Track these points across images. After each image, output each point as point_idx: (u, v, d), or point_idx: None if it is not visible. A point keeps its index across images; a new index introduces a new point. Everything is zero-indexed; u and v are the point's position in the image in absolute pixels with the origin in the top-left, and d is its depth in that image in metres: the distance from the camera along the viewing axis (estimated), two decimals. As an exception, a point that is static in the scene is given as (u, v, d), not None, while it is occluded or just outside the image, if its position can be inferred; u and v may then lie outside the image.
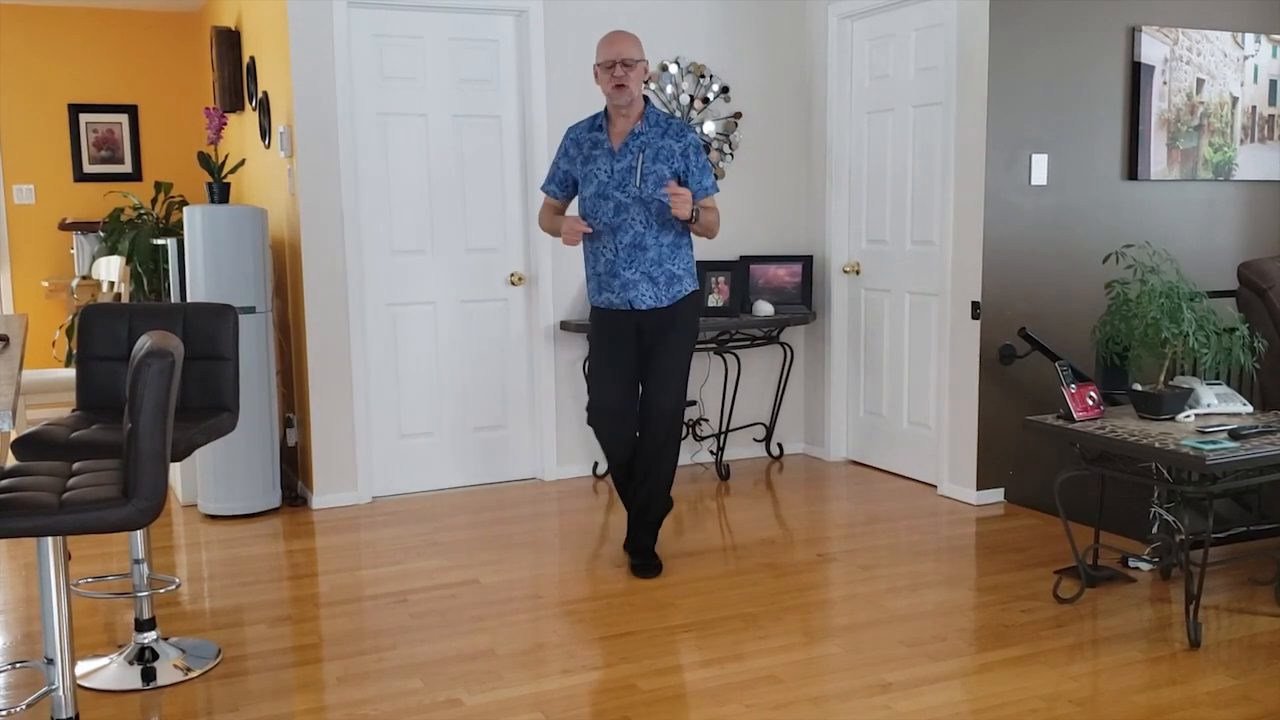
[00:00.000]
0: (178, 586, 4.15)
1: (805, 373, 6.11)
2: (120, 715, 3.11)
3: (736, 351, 5.76)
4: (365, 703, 3.15)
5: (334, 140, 5.07)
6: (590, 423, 4.28)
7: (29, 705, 3.00)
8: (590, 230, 4.08)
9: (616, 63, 4.04)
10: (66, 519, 2.52)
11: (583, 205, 4.18)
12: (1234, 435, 3.51)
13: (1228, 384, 4.27)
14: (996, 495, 5.11)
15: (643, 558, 4.25)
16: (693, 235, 4.20)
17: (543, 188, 4.33)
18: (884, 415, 5.69)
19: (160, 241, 5.69)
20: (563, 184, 4.26)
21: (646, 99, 4.18)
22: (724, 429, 5.77)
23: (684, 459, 5.74)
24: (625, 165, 4.06)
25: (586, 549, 4.56)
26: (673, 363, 4.15)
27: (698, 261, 4.53)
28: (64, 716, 2.73)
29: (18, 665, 3.40)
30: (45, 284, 7.52)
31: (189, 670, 3.37)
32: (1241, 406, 3.85)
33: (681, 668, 3.34)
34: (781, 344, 5.94)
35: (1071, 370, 3.99)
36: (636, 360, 4.18)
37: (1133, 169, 5.17)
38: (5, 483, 2.66)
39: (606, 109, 4.15)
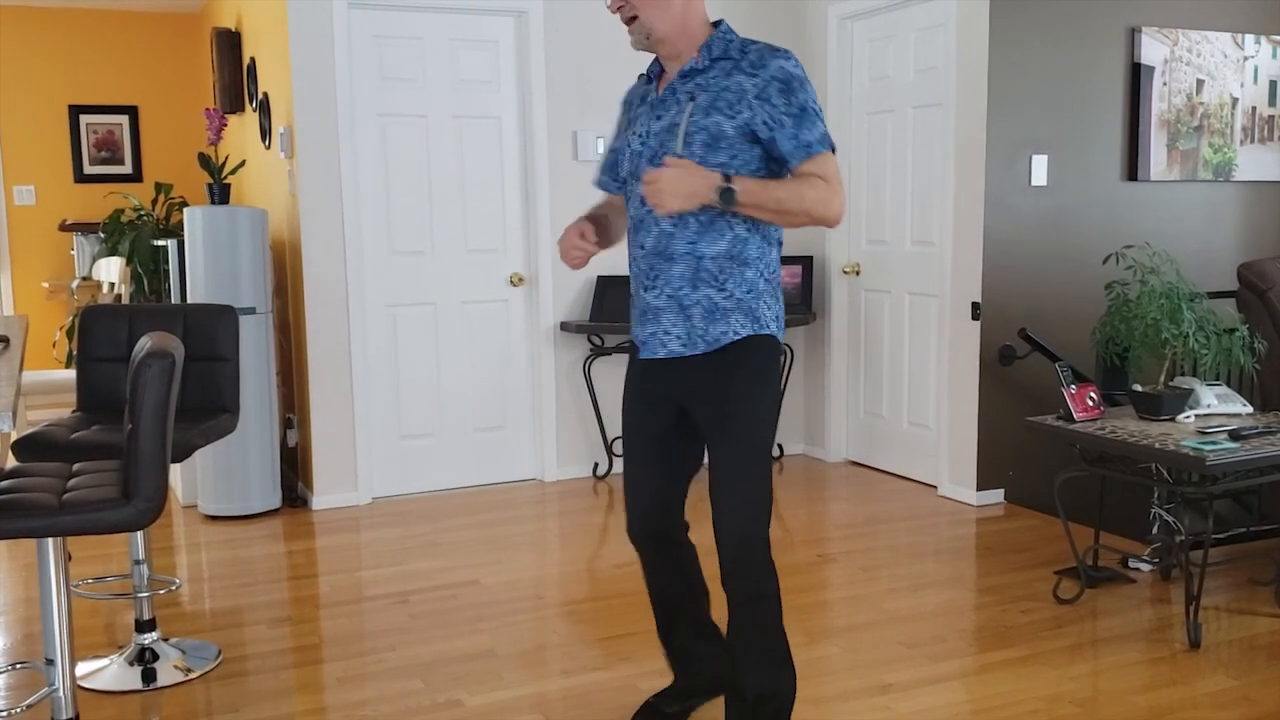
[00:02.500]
0: (178, 587, 4.15)
1: (805, 373, 6.11)
2: (120, 716, 3.11)
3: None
4: (365, 703, 3.15)
5: (334, 141, 5.07)
6: (629, 537, 2.83)
7: (29, 706, 3.00)
8: (593, 243, 2.68)
9: None
10: (67, 520, 2.52)
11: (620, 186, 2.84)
12: (1234, 436, 3.51)
13: (1228, 385, 4.27)
14: (996, 496, 5.11)
15: None
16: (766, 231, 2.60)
17: (594, 181, 2.93)
18: (884, 416, 5.69)
19: (160, 242, 5.69)
20: (614, 170, 2.83)
21: (719, 24, 2.63)
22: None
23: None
24: (666, 123, 2.56)
25: (587, 549, 4.57)
26: (739, 458, 2.56)
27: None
28: (64, 717, 2.73)
29: (18, 666, 3.40)
30: (45, 285, 7.52)
31: (189, 671, 3.37)
32: (1241, 407, 3.85)
33: (682, 668, 3.34)
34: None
35: (1071, 371, 4.00)
36: (678, 436, 2.70)
37: (1133, 170, 5.17)
38: (5, 484, 2.66)
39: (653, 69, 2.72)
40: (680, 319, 2.59)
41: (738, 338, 2.56)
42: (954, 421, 5.16)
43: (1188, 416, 3.78)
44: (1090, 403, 3.83)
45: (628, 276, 2.70)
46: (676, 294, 2.58)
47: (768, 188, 2.44)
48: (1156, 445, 3.48)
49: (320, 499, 5.20)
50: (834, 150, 2.50)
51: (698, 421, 2.63)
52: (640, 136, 2.63)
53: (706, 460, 2.68)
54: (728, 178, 2.42)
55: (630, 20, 2.57)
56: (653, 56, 2.69)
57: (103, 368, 3.57)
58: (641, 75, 2.75)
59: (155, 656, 3.41)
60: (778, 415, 2.75)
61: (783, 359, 2.61)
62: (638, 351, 2.70)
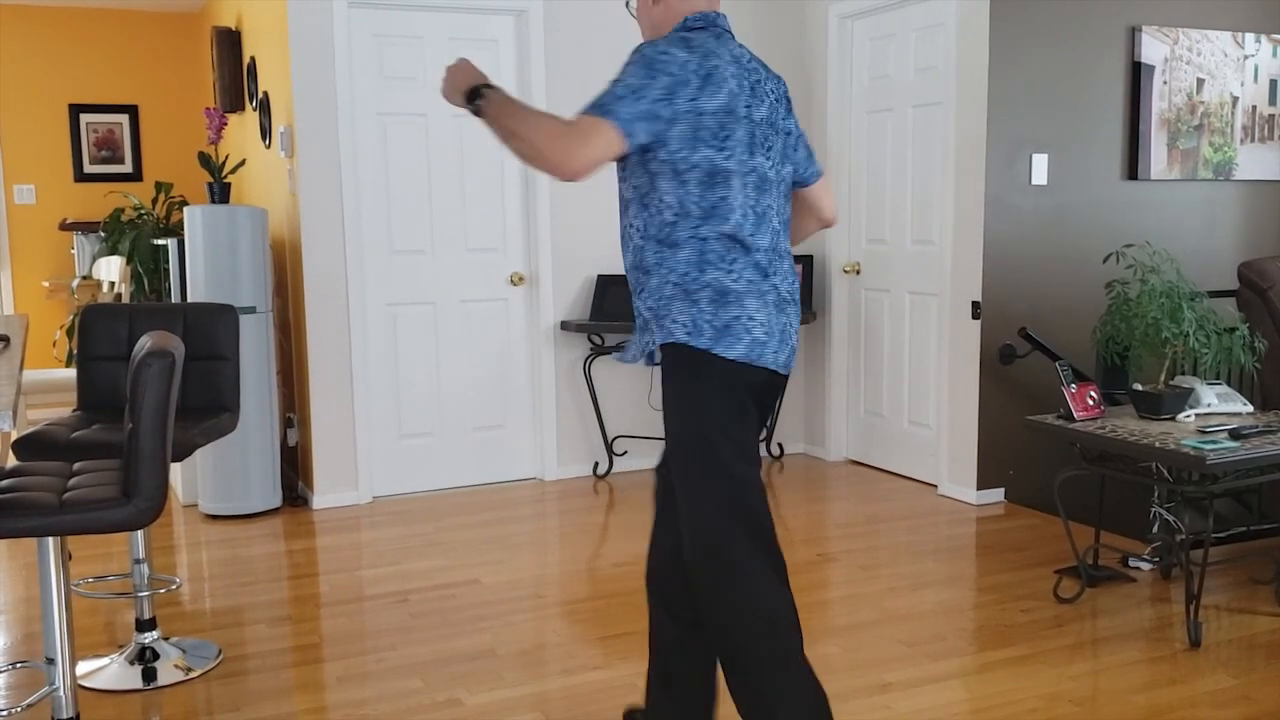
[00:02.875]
0: (178, 586, 4.15)
1: (805, 372, 6.11)
2: (121, 715, 3.11)
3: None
4: (365, 703, 3.15)
5: (334, 140, 5.07)
6: None
7: (30, 705, 3.00)
8: None
9: None
10: (67, 519, 2.52)
11: None
12: (1234, 435, 3.51)
13: (1228, 384, 4.27)
14: (997, 495, 5.11)
15: None
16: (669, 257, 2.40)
17: None
18: (884, 415, 5.69)
19: (161, 241, 5.69)
20: None
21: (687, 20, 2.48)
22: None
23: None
24: None
25: (587, 549, 4.57)
26: (676, 476, 2.45)
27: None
28: (65, 717, 2.73)
29: (18, 665, 3.40)
30: (46, 284, 7.52)
31: (189, 670, 3.37)
32: (1242, 406, 3.85)
33: (682, 667, 3.33)
34: (782, 344, 5.93)
35: (1071, 370, 4.00)
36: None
37: (1133, 169, 5.17)
38: (6, 483, 2.66)
39: None
40: (638, 329, 2.55)
41: (654, 347, 2.47)
42: (954, 420, 5.16)
43: (1188, 415, 3.78)
44: (1090, 402, 3.83)
45: (627, 275, 2.59)
46: (636, 304, 2.54)
47: (516, 106, 2.30)
48: (1157, 444, 3.48)
49: (320, 498, 5.20)
50: (610, 119, 2.24)
51: None
52: None
53: None
54: (491, 85, 2.33)
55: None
56: None
57: (103, 367, 3.57)
58: None
59: (155, 656, 3.41)
60: (710, 431, 2.37)
61: (710, 367, 2.37)
62: None
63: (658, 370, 2.53)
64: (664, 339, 2.42)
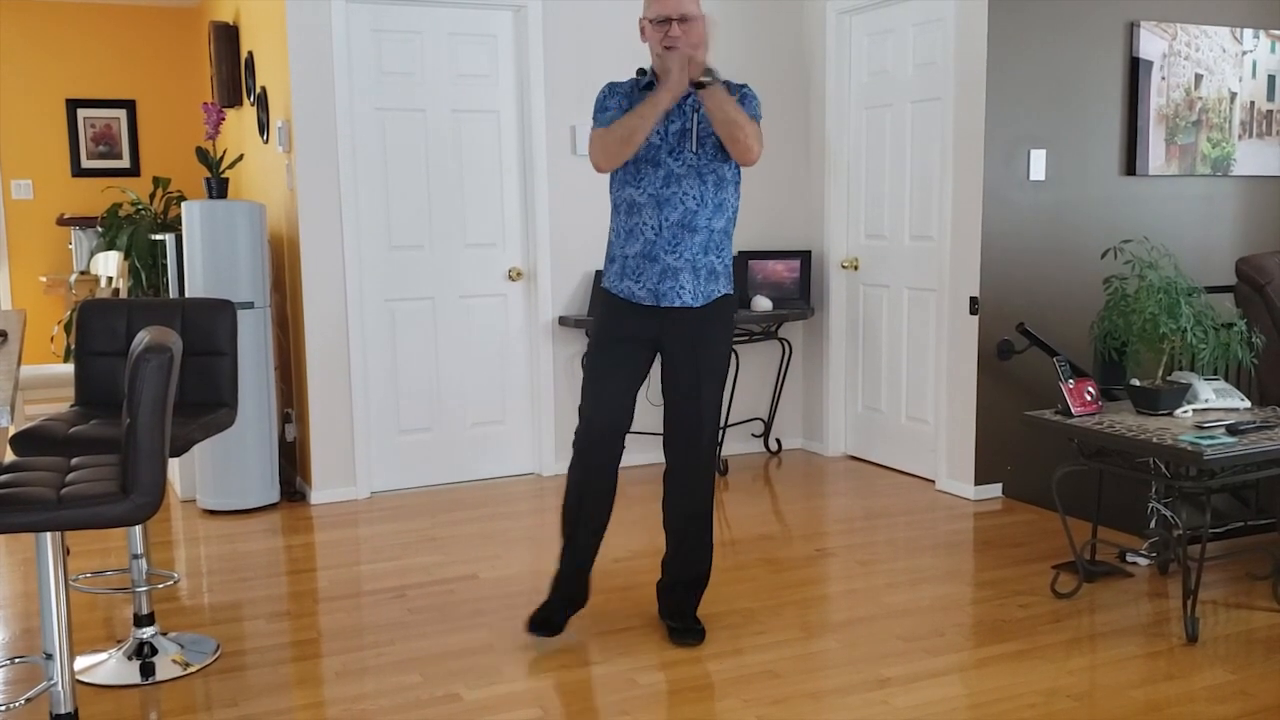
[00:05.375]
0: (176, 582, 4.15)
1: (804, 368, 6.11)
2: (119, 710, 3.12)
3: (735, 347, 5.75)
4: (364, 698, 3.15)
5: (332, 135, 5.06)
6: (581, 447, 3.49)
7: (28, 700, 3.00)
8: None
9: (673, 19, 3.31)
10: (65, 514, 2.52)
11: (624, 171, 3.50)
12: (1231, 430, 3.51)
13: (1225, 379, 4.27)
14: (994, 490, 5.12)
15: (685, 622, 3.58)
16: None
17: (598, 125, 3.48)
18: (882, 410, 5.69)
19: (158, 237, 5.68)
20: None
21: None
22: (723, 424, 5.77)
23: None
24: (679, 127, 3.41)
25: (585, 544, 4.56)
26: (714, 383, 3.51)
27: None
28: (63, 712, 2.74)
29: (17, 660, 3.40)
30: (43, 279, 7.52)
31: (188, 665, 3.37)
32: (1239, 402, 3.85)
33: (680, 663, 3.34)
34: (780, 339, 5.94)
35: (1069, 365, 4.00)
36: (643, 376, 3.54)
37: (1131, 164, 5.17)
38: (4, 478, 2.66)
39: (653, 70, 3.44)
40: (691, 277, 3.43)
41: (722, 294, 3.51)
42: (952, 416, 5.16)
43: (1185, 411, 3.78)
44: (1088, 397, 3.84)
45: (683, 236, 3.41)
46: (692, 258, 3.42)
47: (729, 104, 3.31)
48: (1154, 440, 3.48)
49: (318, 493, 5.20)
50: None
51: (679, 353, 3.45)
52: (659, 134, 3.39)
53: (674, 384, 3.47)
54: (714, 75, 3.31)
55: (676, 50, 3.29)
56: (644, 56, 3.44)
57: (101, 362, 3.57)
58: (624, 83, 3.47)
59: (154, 651, 3.41)
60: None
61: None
62: (630, 299, 3.45)
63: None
64: (729, 289, 3.53)
